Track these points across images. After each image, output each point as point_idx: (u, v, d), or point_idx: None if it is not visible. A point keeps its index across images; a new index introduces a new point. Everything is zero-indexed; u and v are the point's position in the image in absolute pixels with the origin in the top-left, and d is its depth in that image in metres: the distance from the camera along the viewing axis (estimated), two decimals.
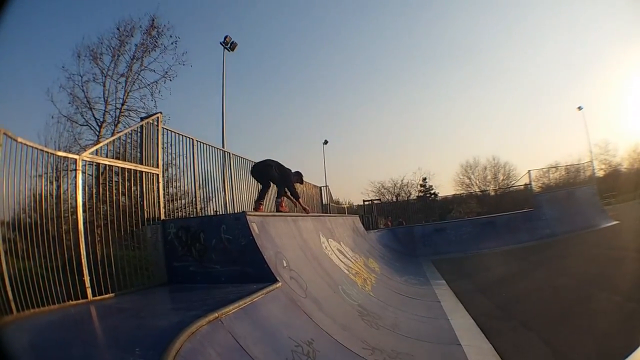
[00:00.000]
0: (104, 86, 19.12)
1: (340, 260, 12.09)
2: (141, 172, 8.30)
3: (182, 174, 9.98)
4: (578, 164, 42.97)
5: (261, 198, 11.06)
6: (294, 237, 9.93)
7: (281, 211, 11.19)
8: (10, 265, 5.24)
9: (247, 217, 7.78)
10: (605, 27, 77.58)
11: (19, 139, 5.56)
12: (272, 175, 11.12)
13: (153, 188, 8.60)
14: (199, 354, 3.96)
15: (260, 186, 11.53)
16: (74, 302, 6.04)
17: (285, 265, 7.92)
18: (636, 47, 65.52)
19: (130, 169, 8.00)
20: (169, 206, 9.22)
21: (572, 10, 77.42)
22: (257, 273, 7.18)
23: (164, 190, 8.93)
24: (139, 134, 8.64)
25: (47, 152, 6.30)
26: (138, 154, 8.58)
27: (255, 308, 5.65)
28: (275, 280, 6.93)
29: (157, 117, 9.02)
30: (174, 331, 4.01)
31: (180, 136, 9.69)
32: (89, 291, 6.36)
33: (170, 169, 9.17)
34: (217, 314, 4.74)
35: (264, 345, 5.03)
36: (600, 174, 53.36)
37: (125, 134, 8.66)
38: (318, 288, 8.41)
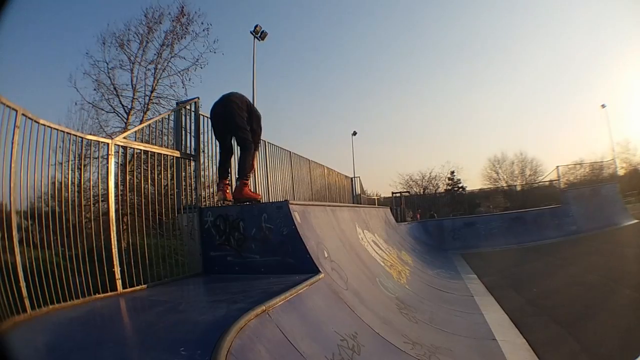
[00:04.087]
0: (132, 73, 18.90)
1: (376, 252, 11.87)
2: (177, 158, 8.00)
3: (211, 161, 9.47)
4: (602, 162, 42.35)
5: (226, 171, 8.71)
6: (333, 228, 9.64)
7: (247, 198, 8.38)
8: (25, 255, 4.67)
9: (290, 206, 7.50)
10: (631, 24, 75.62)
11: (41, 121, 5.05)
12: (239, 126, 8.32)
13: (189, 175, 8.35)
14: (249, 350, 3.62)
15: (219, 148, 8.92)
16: (102, 295, 5.64)
17: (326, 255, 7.64)
18: None
19: (167, 155, 7.72)
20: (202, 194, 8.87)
21: (601, 5, 75.62)
22: (299, 264, 6.92)
23: (201, 177, 8.64)
24: (175, 119, 8.37)
25: (76, 136, 5.82)
26: (173, 139, 8.35)
27: (300, 300, 5.34)
28: (317, 272, 6.64)
29: (195, 102, 8.70)
30: (220, 327, 3.68)
31: None
32: (118, 283, 5.93)
33: (203, 156, 8.77)
34: (264, 307, 4.42)
35: (311, 340, 4.71)
36: (621, 172, 52.25)
37: (161, 119, 8.35)
38: (358, 280, 8.13)
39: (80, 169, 6.34)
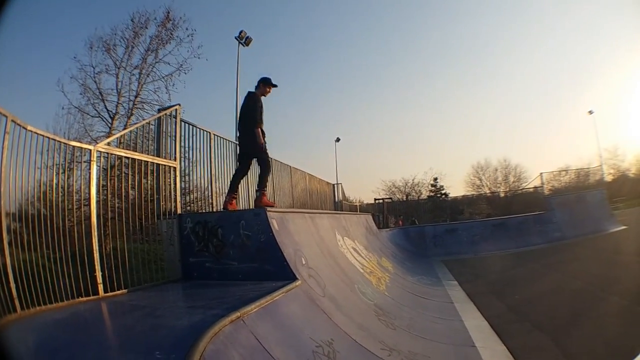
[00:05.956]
0: (117, 78, 18.94)
1: (355, 259, 12.01)
2: (158, 164, 8.16)
3: (193, 167, 9.79)
4: (588, 168, 42.82)
5: (237, 187, 9.61)
6: (311, 235, 9.80)
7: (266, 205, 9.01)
8: (15, 256, 4.98)
9: (267, 213, 7.65)
10: (619, 31, 76.69)
11: (29, 127, 5.32)
12: (263, 151, 9.14)
13: (169, 181, 8.47)
14: (222, 355, 3.78)
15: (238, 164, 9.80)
16: (84, 298, 5.83)
17: (304, 262, 7.79)
18: None
19: (147, 161, 7.84)
20: (182, 200, 9.08)
21: (586, 12, 76.66)
22: (276, 270, 7.06)
23: (180, 183, 8.80)
24: (155, 125, 8.52)
25: (60, 142, 6.04)
26: (154, 146, 8.48)
27: (276, 307, 5.49)
28: (295, 278, 6.81)
29: (176, 109, 8.85)
30: (195, 332, 3.83)
31: (196, 129, 9.52)
32: (100, 287, 6.13)
33: (184, 163, 9.00)
34: (239, 313, 4.56)
35: (286, 346, 4.87)
36: (609, 178, 52.90)
37: (142, 125, 8.54)
38: (336, 287, 8.30)
39: (66, 174, 6.46)
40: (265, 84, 9.29)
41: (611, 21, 76.11)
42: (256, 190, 9.38)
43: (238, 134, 9.51)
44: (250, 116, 8.98)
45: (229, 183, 9.61)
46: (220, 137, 10.47)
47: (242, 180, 9.79)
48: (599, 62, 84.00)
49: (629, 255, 16.22)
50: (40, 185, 5.84)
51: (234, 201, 9.37)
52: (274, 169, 13.78)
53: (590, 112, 47.96)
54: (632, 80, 72.78)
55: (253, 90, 9.27)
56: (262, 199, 9.02)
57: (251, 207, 10.31)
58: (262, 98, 9.19)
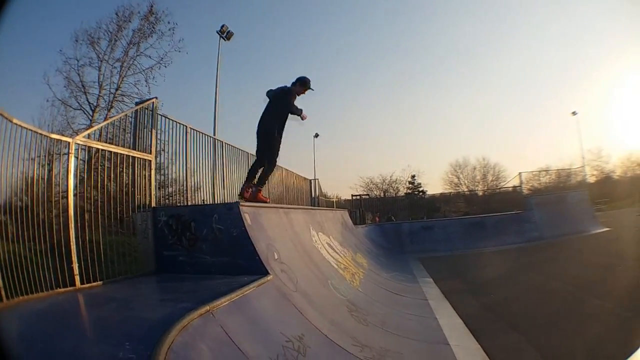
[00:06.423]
0: (100, 70, 19.15)
1: (330, 254, 12.06)
2: (134, 157, 8.19)
3: (171, 161, 9.93)
4: (570, 169, 43.35)
5: (253, 176, 10.07)
6: (285, 230, 9.85)
7: (260, 200, 9.83)
8: (1, 248, 5.15)
9: (240, 208, 7.69)
10: (605, 33, 77.67)
11: (15, 120, 5.44)
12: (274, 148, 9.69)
13: (145, 174, 8.49)
14: (191, 348, 3.85)
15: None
16: (62, 289, 5.92)
17: (276, 257, 7.85)
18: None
19: (123, 154, 7.89)
20: (157, 193, 9.13)
21: (572, 16, 77.42)
22: (248, 265, 7.10)
23: (155, 177, 8.83)
24: (133, 118, 8.56)
25: (41, 135, 6.16)
26: (131, 139, 8.50)
27: (246, 301, 5.56)
28: (266, 273, 6.85)
29: (153, 103, 8.89)
30: (165, 324, 3.90)
31: (174, 123, 9.56)
32: (77, 279, 6.22)
33: (160, 156, 9.08)
34: (208, 307, 4.63)
35: (255, 340, 4.94)
36: (592, 179, 53.64)
37: (120, 118, 8.62)
38: (308, 282, 8.36)
39: (50, 165, 6.51)
40: (303, 85, 9.61)
41: (598, 25, 77.04)
42: (255, 185, 9.81)
43: (262, 120, 9.73)
44: (283, 106, 9.37)
45: (205, 177, 9.82)
46: (196, 130, 10.50)
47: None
48: (585, 65, 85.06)
49: (607, 257, 16.36)
50: (25, 178, 5.98)
51: (251, 190, 9.71)
52: (250, 163, 13.90)
53: (574, 113, 48.49)
54: (618, 83, 74.22)
55: (290, 85, 9.59)
56: (258, 195, 9.64)
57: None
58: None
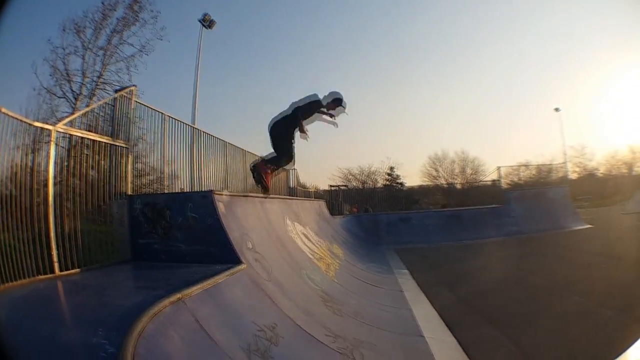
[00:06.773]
0: (84, 59, 18.96)
1: (305, 244, 12.15)
2: (112, 145, 8.22)
3: (150, 149, 9.88)
4: (550, 164, 43.72)
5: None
6: (259, 219, 9.91)
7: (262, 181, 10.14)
8: None
9: (214, 196, 7.74)
10: (591, 31, 78.15)
11: (2, 109, 5.56)
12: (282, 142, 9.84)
13: (122, 162, 8.51)
14: (162, 335, 3.92)
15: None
16: (43, 276, 6.03)
17: (250, 246, 7.90)
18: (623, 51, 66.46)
19: (102, 142, 7.93)
20: (136, 182, 9.14)
21: (558, 14, 77.86)
22: (222, 254, 7.17)
23: (132, 165, 8.85)
24: (112, 106, 8.53)
25: (26, 123, 6.22)
26: (110, 127, 8.47)
27: (218, 290, 5.62)
28: (239, 262, 6.93)
29: (131, 90, 8.91)
30: (137, 312, 3.97)
31: (152, 111, 9.55)
32: (56, 266, 6.37)
33: (139, 144, 9.10)
34: (180, 295, 4.69)
35: (227, 329, 5.00)
36: (574, 176, 54.07)
37: (99, 106, 8.60)
38: (282, 271, 8.42)
39: (29, 155, 6.53)
40: (334, 102, 9.74)
41: (584, 22, 77.39)
42: (265, 160, 10.03)
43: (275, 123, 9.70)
44: (305, 111, 9.43)
45: (183, 166, 9.88)
46: (174, 119, 10.48)
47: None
48: (570, 63, 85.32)
49: (583, 253, 16.65)
50: (11, 167, 6.09)
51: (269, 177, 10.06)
52: (227, 152, 13.92)
53: (557, 110, 48.92)
54: (603, 81, 75.09)
55: (320, 97, 9.66)
56: (267, 175, 10.00)
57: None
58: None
